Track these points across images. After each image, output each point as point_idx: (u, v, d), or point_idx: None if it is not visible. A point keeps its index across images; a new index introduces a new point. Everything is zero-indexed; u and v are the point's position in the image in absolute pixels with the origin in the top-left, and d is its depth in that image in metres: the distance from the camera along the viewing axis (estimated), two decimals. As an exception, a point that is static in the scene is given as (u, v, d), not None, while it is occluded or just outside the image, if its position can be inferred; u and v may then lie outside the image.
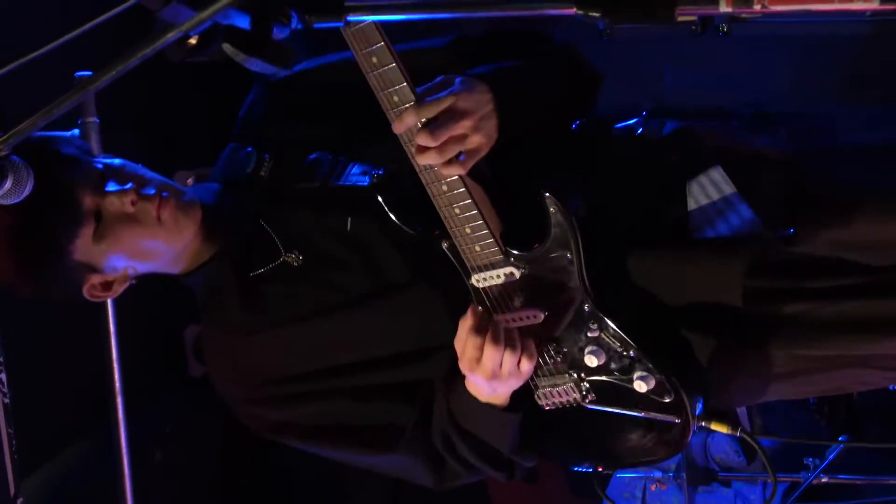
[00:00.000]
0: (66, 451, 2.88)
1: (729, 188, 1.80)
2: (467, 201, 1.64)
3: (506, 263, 1.71)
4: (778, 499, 3.32)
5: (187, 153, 3.17)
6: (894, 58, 3.05)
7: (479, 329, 1.69)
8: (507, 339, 1.69)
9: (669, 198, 1.84)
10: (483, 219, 1.66)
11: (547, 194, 1.67)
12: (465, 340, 1.70)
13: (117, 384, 2.46)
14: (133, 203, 1.75)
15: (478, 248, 1.70)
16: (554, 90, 1.83)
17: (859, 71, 3.13)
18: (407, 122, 1.54)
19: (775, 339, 1.83)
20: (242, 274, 1.89)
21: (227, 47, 1.19)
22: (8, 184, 1.45)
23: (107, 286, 1.86)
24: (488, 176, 1.72)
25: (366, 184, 1.78)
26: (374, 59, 1.48)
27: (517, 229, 1.72)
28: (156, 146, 3.15)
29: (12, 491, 2.30)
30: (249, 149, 1.90)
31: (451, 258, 1.74)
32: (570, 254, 1.69)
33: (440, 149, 1.55)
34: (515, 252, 1.71)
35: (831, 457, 3.04)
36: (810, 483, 3.05)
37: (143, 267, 1.85)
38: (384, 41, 1.46)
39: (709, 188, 1.81)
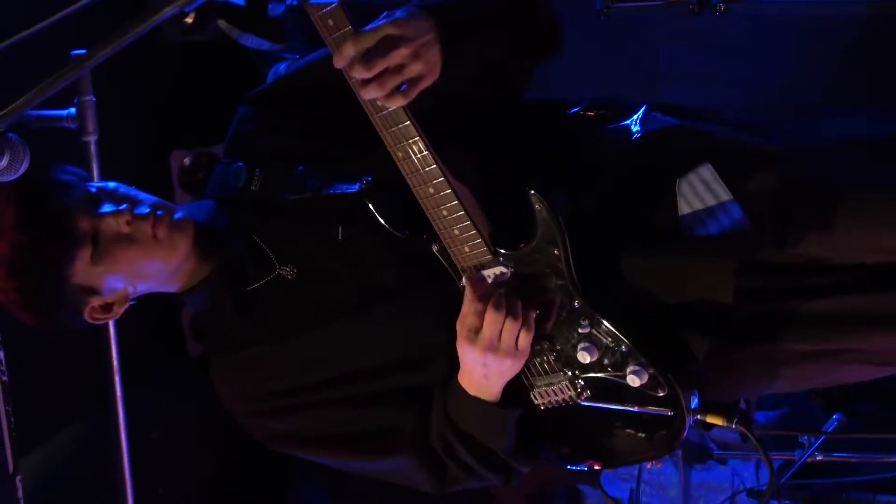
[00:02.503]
0: (64, 430, 2.90)
1: (719, 187, 1.80)
2: (454, 202, 1.65)
3: (495, 263, 1.72)
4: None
5: (185, 133, 3.18)
6: (891, 40, 3.05)
7: (482, 297, 1.70)
8: (509, 307, 1.69)
9: (659, 196, 1.83)
10: (470, 219, 1.66)
11: (532, 191, 1.67)
12: (467, 308, 1.71)
13: (115, 363, 2.46)
14: (128, 223, 1.77)
15: (467, 249, 1.70)
16: (503, 24, 1.79)
17: (857, 53, 3.13)
18: (346, 53, 1.52)
19: (769, 335, 1.83)
20: (238, 289, 1.90)
21: (222, 23, 1.19)
22: (4, 161, 1.46)
23: (107, 308, 1.87)
24: (473, 176, 1.72)
25: (355, 190, 1.79)
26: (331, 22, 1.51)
27: (505, 229, 1.73)
28: (153, 126, 3.16)
29: (11, 468, 2.31)
30: (240, 164, 1.91)
31: (442, 261, 1.75)
32: (558, 250, 1.69)
33: (380, 81, 1.54)
34: (504, 251, 1.71)
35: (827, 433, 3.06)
36: (805, 461, 3.06)
37: (142, 286, 1.87)
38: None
39: (698, 186, 1.81)
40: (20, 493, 2.38)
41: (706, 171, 1.81)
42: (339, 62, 1.54)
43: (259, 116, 1.96)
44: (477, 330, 1.69)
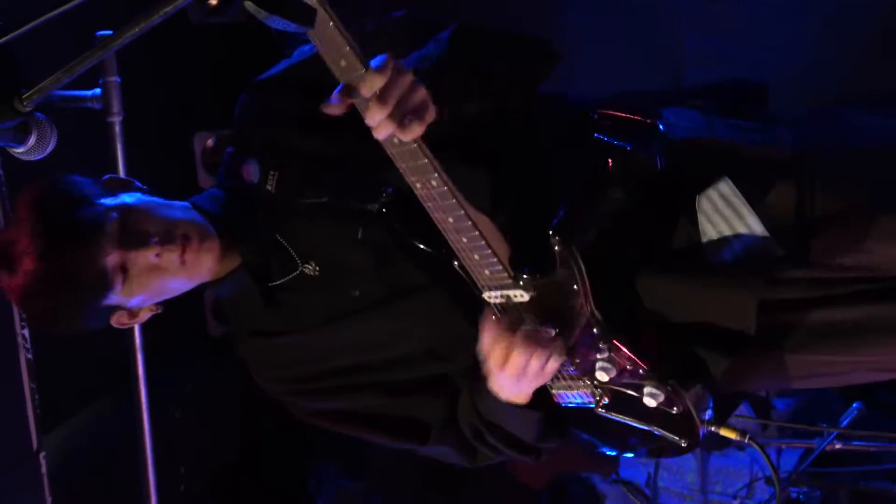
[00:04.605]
0: (87, 408, 2.92)
1: (738, 201, 1.79)
2: (474, 233, 1.63)
3: (515, 286, 1.71)
4: (793, 462, 3.34)
5: (208, 115, 3.19)
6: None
7: (506, 331, 1.70)
8: (536, 340, 1.69)
9: (680, 215, 1.83)
10: (490, 248, 1.65)
11: (552, 234, 1.66)
12: (490, 344, 1.71)
13: (138, 343, 2.49)
14: (158, 255, 1.77)
15: (487, 273, 1.70)
16: (495, 54, 1.81)
17: (883, 39, 3.10)
18: (366, 93, 1.46)
19: (789, 346, 1.84)
20: (262, 284, 1.91)
21: (248, 5, 1.19)
22: (32, 140, 1.47)
23: (133, 314, 1.89)
24: (493, 199, 1.71)
25: (375, 205, 1.78)
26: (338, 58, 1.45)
27: (526, 251, 1.71)
28: (177, 107, 3.17)
29: (35, 445, 2.34)
30: (252, 160, 1.89)
31: (462, 275, 1.74)
32: (577, 285, 1.69)
33: (392, 114, 1.48)
34: (524, 276, 1.70)
35: (845, 423, 3.05)
36: (823, 449, 3.06)
37: (169, 297, 1.89)
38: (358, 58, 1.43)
39: (718, 202, 1.80)
40: (44, 470, 2.41)
41: (725, 187, 1.80)
42: (365, 91, 1.47)
43: (264, 104, 1.94)
44: (504, 360, 1.70)
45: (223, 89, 3.27)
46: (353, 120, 1.57)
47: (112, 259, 1.74)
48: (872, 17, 3.09)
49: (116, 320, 1.87)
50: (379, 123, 1.49)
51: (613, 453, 1.95)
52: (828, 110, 2.04)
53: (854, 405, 3.06)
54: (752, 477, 3.51)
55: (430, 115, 1.54)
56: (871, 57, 3.11)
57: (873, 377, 1.93)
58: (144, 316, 1.89)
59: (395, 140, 1.53)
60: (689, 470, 3.60)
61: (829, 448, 3.06)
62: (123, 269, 1.76)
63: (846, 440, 3.08)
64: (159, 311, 1.90)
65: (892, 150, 1.89)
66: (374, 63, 1.47)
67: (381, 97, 1.46)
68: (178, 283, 1.83)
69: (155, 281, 1.79)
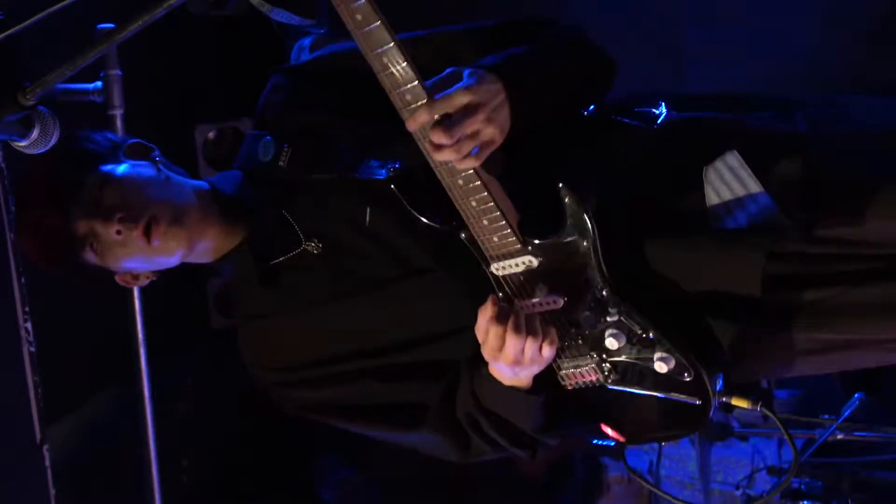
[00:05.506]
0: (90, 400, 2.93)
1: (746, 174, 1.79)
2: (483, 194, 1.63)
3: (524, 253, 1.71)
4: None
5: (210, 107, 3.19)
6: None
7: (501, 318, 1.70)
8: (529, 327, 1.70)
9: (686, 185, 1.82)
10: (500, 210, 1.65)
11: (561, 185, 1.67)
12: (486, 330, 1.72)
13: (140, 336, 2.49)
14: (118, 232, 1.79)
15: (496, 239, 1.70)
16: (565, 77, 1.82)
17: (888, 29, 3.10)
18: (420, 121, 1.54)
19: (796, 323, 1.83)
20: (263, 262, 1.93)
21: (252, -2, 1.19)
22: (35, 133, 1.48)
23: (135, 277, 1.95)
24: (502, 166, 1.71)
25: (382, 177, 1.79)
26: (385, 60, 1.48)
27: (534, 217, 1.72)
28: (178, 100, 3.17)
29: (38, 438, 2.34)
30: (268, 138, 1.91)
31: (470, 248, 1.74)
32: (587, 241, 1.69)
33: (456, 145, 1.55)
34: (533, 241, 1.71)
35: (847, 413, 3.05)
36: (825, 439, 3.06)
37: (161, 268, 1.91)
38: (394, 42, 1.45)
39: (725, 174, 1.80)
40: (47, 462, 2.42)
41: (732, 159, 1.80)
42: (412, 126, 1.55)
43: (291, 88, 1.97)
44: (499, 349, 1.71)
45: (224, 82, 3.28)
46: (370, 102, 1.61)
47: (81, 227, 1.79)
48: (872, 10, 3.09)
49: (120, 278, 1.93)
50: (439, 150, 1.56)
51: (612, 444, 1.94)
52: (829, 98, 2.04)
53: (856, 395, 3.07)
54: (754, 467, 3.52)
55: (495, 146, 1.61)
56: (871, 50, 3.11)
57: (885, 358, 1.92)
58: (144, 280, 1.95)
59: (450, 165, 1.60)
60: (691, 459, 3.61)
61: (831, 438, 3.06)
62: (95, 236, 1.80)
63: (848, 430, 3.08)
64: (154, 279, 1.96)
65: (892, 126, 1.90)
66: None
67: (445, 128, 1.53)
68: (146, 261, 1.85)
69: (121, 254, 1.82)
